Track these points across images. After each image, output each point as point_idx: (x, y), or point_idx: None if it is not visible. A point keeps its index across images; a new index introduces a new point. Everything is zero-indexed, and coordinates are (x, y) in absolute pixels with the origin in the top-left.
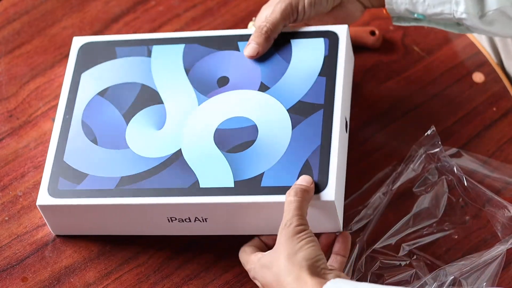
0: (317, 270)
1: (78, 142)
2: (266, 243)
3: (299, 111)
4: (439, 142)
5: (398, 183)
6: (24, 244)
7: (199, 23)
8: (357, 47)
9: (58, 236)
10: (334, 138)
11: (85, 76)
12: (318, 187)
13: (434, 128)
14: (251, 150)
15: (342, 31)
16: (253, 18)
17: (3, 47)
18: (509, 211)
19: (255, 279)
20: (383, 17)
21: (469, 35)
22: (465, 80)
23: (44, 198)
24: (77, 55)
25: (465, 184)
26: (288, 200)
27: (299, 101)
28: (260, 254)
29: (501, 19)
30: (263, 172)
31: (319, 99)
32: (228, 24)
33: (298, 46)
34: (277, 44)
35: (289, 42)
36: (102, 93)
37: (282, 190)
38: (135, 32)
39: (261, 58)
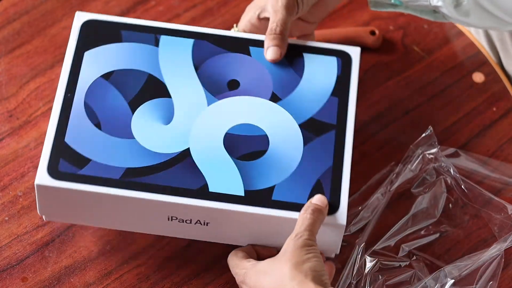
0: (321, 281)
1: (80, 124)
2: (258, 252)
3: (311, 128)
4: (436, 143)
5: (396, 184)
6: (24, 244)
7: (199, 23)
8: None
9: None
10: (346, 161)
11: (89, 55)
12: (330, 209)
13: (431, 129)
14: (262, 161)
15: (355, 52)
16: (234, 25)
17: (3, 47)
18: (507, 211)
19: (244, 283)
20: (383, 17)
21: (469, 35)
22: (465, 80)
23: (43, 178)
24: (80, 31)
25: (463, 185)
26: (303, 216)
27: (311, 118)
28: (253, 261)
29: (476, 10)
30: (274, 185)
31: (332, 119)
32: (228, 24)
33: (311, 62)
34: (289, 56)
35: (302, 56)
36: (106, 76)
37: (293, 206)
38: None
39: (273, 67)
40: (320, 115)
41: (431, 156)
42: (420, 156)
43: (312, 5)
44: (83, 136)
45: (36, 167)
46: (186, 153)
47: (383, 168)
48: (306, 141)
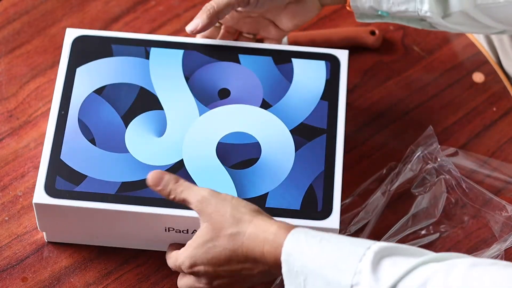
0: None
1: (75, 141)
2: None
3: (302, 134)
4: (436, 142)
5: (396, 184)
6: (24, 244)
7: None
8: (357, 47)
9: (49, 242)
10: (338, 165)
11: (81, 71)
12: (323, 214)
13: (431, 128)
14: (254, 169)
15: (343, 55)
16: None
17: (3, 47)
18: (507, 211)
19: (195, 265)
20: None
21: (469, 35)
22: (465, 80)
23: (40, 196)
24: (71, 47)
25: (463, 185)
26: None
27: (302, 123)
28: (187, 245)
29: (467, 20)
30: (267, 193)
31: (322, 123)
32: None
33: (299, 66)
34: (278, 62)
35: (290, 62)
36: (98, 91)
37: (286, 212)
38: (135, 32)
39: (262, 74)
40: (310, 119)
41: (431, 156)
42: (420, 156)
43: (275, 9)
44: (78, 153)
45: (36, 167)
46: (180, 165)
47: (383, 168)
48: (297, 147)
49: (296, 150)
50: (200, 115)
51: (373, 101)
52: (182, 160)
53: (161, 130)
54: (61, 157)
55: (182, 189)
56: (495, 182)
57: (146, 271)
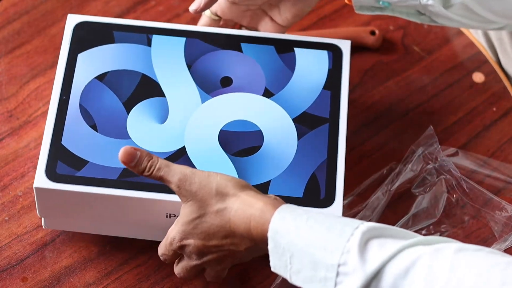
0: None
1: (76, 126)
2: None
3: (304, 123)
4: (437, 142)
5: (397, 184)
6: (24, 244)
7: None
8: (357, 47)
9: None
10: (340, 154)
11: (82, 57)
12: (326, 201)
13: (432, 128)
14: (257, 156)
15: (345, 45)
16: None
17: (3, 47)
18: (507, 211)
19: (186, 238)
20: (383, 17)
21: (468, 35)
22: (465, 80)
23: (41, 180)
24: (72, 33)
25: (463, 185)
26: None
27: (304, 112)
28: (175, 222)
29: (466, 13)
30: (270, 180)
31: (325, 112)
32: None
33: (302, 56)
34: (281, 51)
35: (293, 51)
36: (100, 78)
37: (289, 200)
38: None
39: (265, 62)
40: (313, 109)
41: (432, 156)
42: (421, 156)
43: (274, 3)
44: (80, 138)
45: (36, 167)
46: (183, 152)
47: (383, 168)
48: (300, 135)
49: (298, 138)
50: (202, 102)
51: (373, 101)
52: (184, 147)
53: (163, 117)
54: (62, 142)
55: (159, 166)
56: (495, 182)
57: (146, 271)
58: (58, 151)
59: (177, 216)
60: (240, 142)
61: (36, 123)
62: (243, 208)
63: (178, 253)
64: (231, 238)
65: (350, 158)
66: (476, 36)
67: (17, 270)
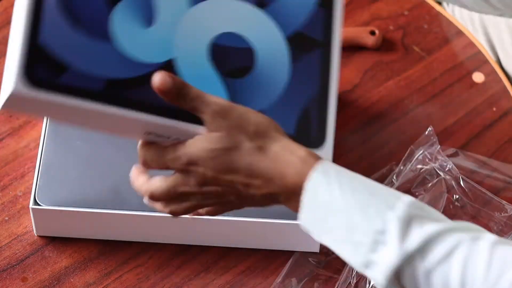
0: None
1: (54, 22)
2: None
3: (296, 44)
4: (437, 142)
5: (397, 184)
6: (24, 244)
7: None
8: (357, 47)
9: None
10: (332, 88)
11: None
12: (316, 143)
13: (432, 128)
14: (248, 80)
15: None
16: None
17: (3, 47)
18: (507, 211)
19: (195, 164)
20: (383, 17)
21: (468, 35)
22: (465, 80)
23: (19, 87)
24: None
25: (463, 185)
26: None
27: (297, 32)
28: (188, 143)
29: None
30: (260, 111)
31: (318, 33)
32: None
33: None
34: None
35: None
36: None
37: None
38: None
39: None
40: (306, 28)
41: (432, 156)
42: (421, 156)
43: None
44: (59, 38)
45: (35, 168)
46: (171, 66)
47: (383, 168)
48: (292, 59)
49: (291, 62)
50: (192, 5)
51: (373, 101)
52: (172, 60)
53: (148, 20)
54: (39, 41)
55: (192, 96)
56: (495, 182)
57: (146, 271)
58: (35, 52)
59: (160, 136)
60: (232, 60)
61: (36, 123)
62: (283, 153)
63: (166, 168)
64: (254, 179)
65: (350, 158)
66: (476, 36)
67: (17, 270)
